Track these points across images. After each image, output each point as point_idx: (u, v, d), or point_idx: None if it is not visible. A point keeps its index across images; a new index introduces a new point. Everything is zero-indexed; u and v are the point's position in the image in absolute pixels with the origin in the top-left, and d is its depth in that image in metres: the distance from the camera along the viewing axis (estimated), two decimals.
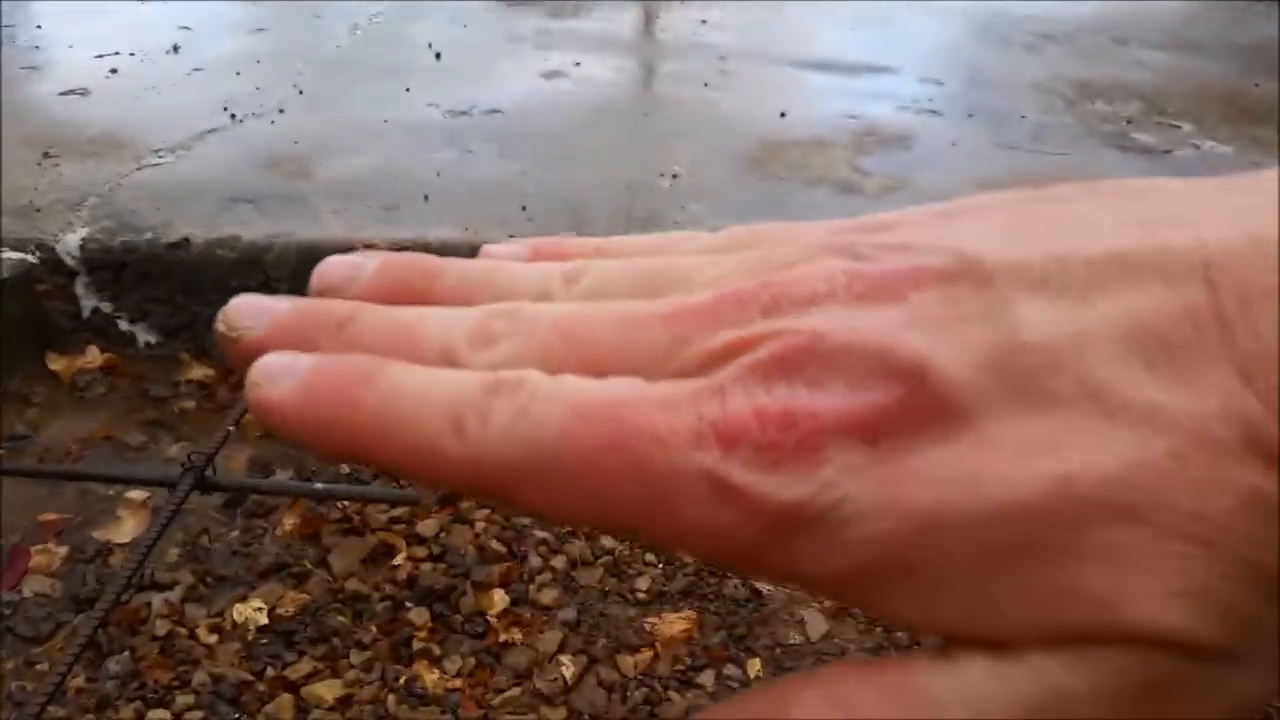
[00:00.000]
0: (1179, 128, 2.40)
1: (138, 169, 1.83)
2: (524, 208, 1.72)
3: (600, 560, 1.32)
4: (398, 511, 1.36)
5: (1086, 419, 0.15)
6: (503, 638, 1.21)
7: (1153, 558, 0.15)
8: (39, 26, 2.78)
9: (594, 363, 0.17)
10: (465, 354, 0.18)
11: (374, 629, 1.22)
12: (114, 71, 2.37)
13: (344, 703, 1.14)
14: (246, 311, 0.19)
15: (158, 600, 1.24)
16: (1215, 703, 0.15)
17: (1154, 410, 0.15)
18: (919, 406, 0.15)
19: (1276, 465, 0.14)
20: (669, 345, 0.17)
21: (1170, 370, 0.15)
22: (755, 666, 1.20)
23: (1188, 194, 0.17)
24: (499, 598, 1.26)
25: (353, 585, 1.27)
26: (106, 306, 1.61)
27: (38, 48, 2.59)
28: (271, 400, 0.17)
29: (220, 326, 0.19)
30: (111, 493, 1.41)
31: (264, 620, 1.22)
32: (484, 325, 0.18)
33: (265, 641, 1.20)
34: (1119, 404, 0.15)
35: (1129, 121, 2.41)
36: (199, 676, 1.15)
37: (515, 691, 1.16)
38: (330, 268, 0.21)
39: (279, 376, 0.18)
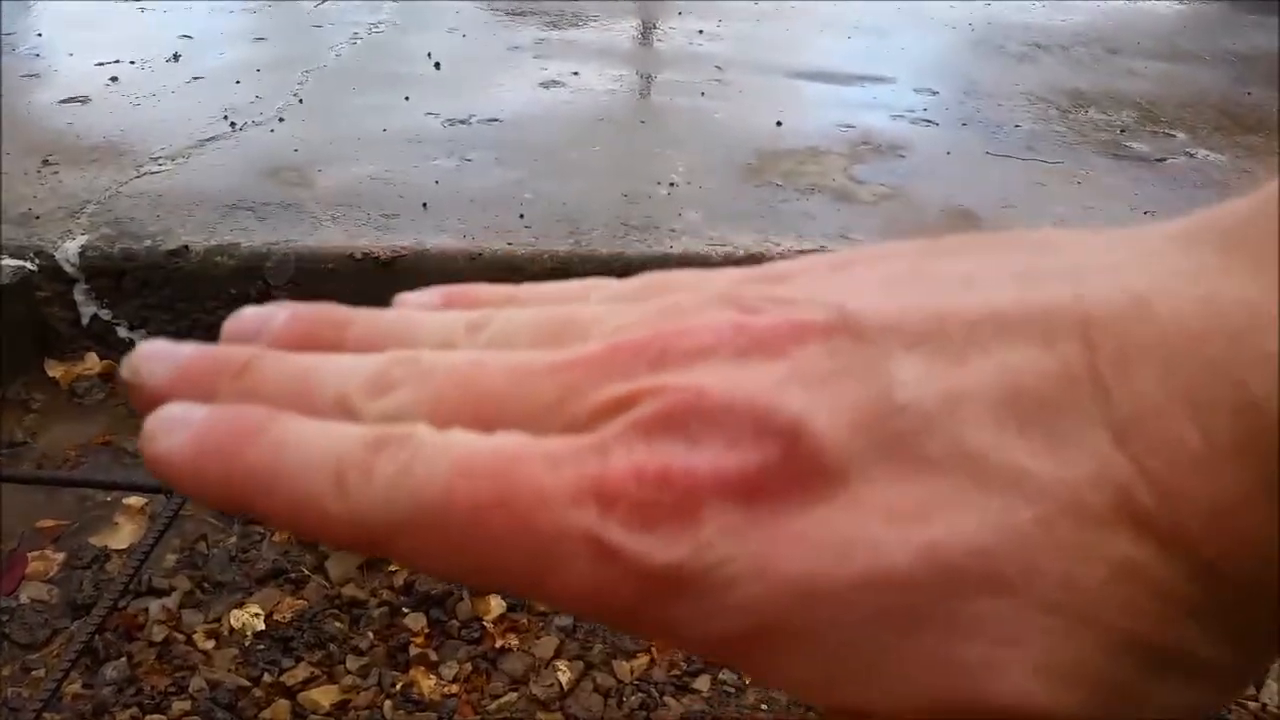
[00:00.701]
0: (1173, 136, 2.41)
1: (137, 176, 1.84)
2: (521, 215, 1.73)
3: None
4: None
5: (957, 484, 0.15)
6: (499, 643, 1.22)
7: (1021, 629, 0.14)
8: (39, 34, 2.79)
9: (487, 413, 0.17)
10: (359, 402, 0.18)
11: (371, 635, 1.22)
12: (114, 79, 2.38)
13: (340, 708, 1.14)
14: (151, 357, 0.19)
15: (155, 606, 1.25)
16: None
17: (1024, 476, 0.15)
18: (794, 466, 0.15)
19: (1149, 534, 0.14)
20: (560, 396, 0.17)
21: (1044, 433, 0.15)
22: None
23: (1073, 248, 0.17)
24: (495, 603, 1.26)
25: (350, 591, 1.27)
26: (106, 313, 1.62)
27: (38, 55, 2.60)
28: (164, 454, 0.17)
29: (125, 372, 0.19)
30: (109, 499, 1.41)
31: (261, 626, 1.23)
32: (380, 373, 0.18)
33: (262, 647, 1.21)
34: (990, 469, 0.15)
35: (1122, 130, 2.43)
36: (196, 682, 1.15)
37: (511, 697, 1.16)
38: (241, 318, 0.21)
39: (172, 429, 0.18)
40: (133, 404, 0.19)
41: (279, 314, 0.21)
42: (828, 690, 0.15)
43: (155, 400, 0.19)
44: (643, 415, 0.16)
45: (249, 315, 0.21)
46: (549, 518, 0.16)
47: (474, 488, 0.16)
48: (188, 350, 0.19)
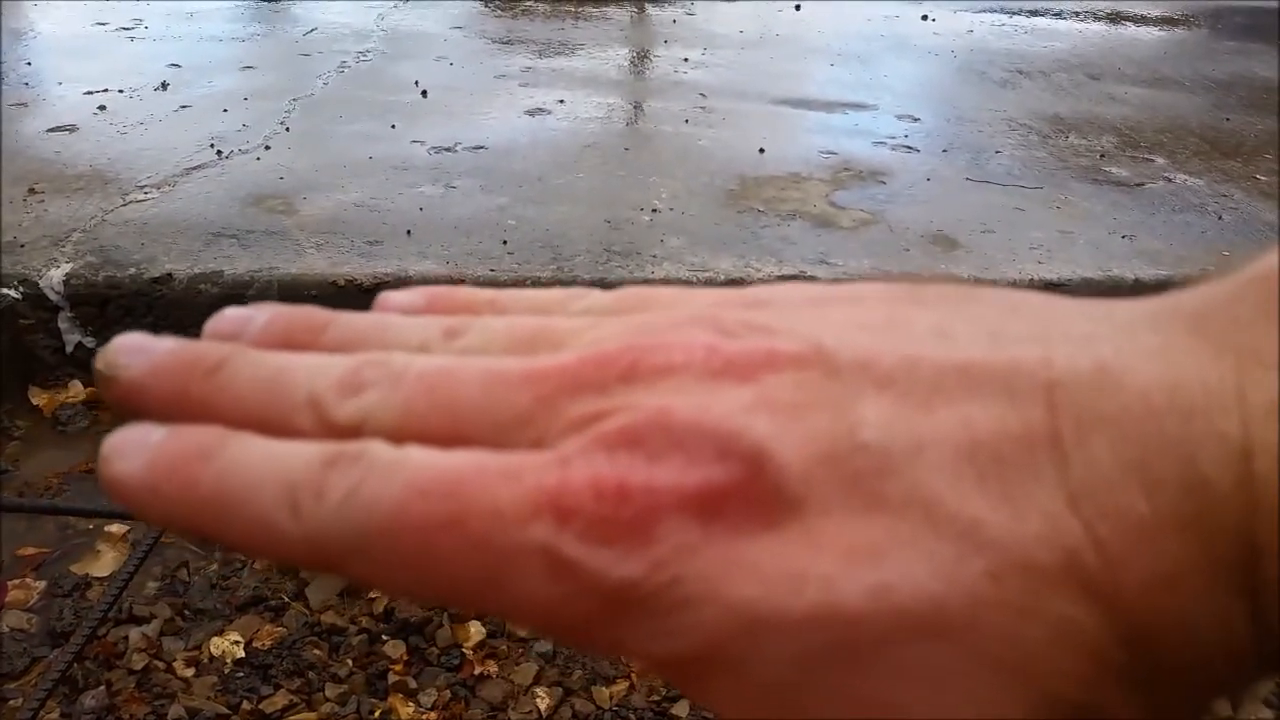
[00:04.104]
0: (1152, 161, 2.44)
1: (123, 205, 1.85)
2: (505, 242, 1.75)
3: None
4: None
5: (912, 528, 0.15)
6: (478, 670, 1.22)
7: (960, 681, 0.15)
8: (28, 64, 2.81)
9: (455, 420, 0.17)
10: (331, 402, 0.18)
11: (350, 662, 1.22)
12: (102, 108, 2.40)
13: None
14: (126, 350, 0.19)
15: (135, 634, 1.24)
16: None
17: (978, 526, 0.15)
18: (754, 491, 0.15)
19: (1091, 597, 0.15)
20: (529, 409, 0.17)
21: (1001, 488, 0.15)
22: None
23: (1048, 312, 0.18)
24: (475, 630, 1.26)
25: (329, 618, 1.27)
26: (90, 341, 1.63)
27: (27, 84, 2.62)
28: (119, 478, 0.17)
29: (99, 365, 0.19)
30: (91, 526, 1.41)
31: (241, 654, 1.23)
32: (352, 373, 0.18)
33: (242, 675, 1.20)
34: (945, 516, 0.15)
35: (1102, 155, 2.46)
36: (175, 710, 1.15)
37: None
38: (222, 318, 0.21)
39: (128, 453, 0.17)
40: (104, 397, 0.19)
41: (260, 314, 0.21)
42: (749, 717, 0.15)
43: (127, 395, 0.19)
44: (607, 430, 0.16)
45: (230, 315, 0.21)
46: (504, 534, 0.15)
47: (428, 508, 0.16)
48: (164, 345, 0.19)
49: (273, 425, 0.18)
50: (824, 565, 0.15)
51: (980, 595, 0.14)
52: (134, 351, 0.19)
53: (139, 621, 1.26)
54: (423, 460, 0.16)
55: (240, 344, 0.20)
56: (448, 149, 2.21)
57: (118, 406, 0.19)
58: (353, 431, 0.17)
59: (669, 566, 0.15)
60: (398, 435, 0.17)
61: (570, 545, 0.15)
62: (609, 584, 0.15)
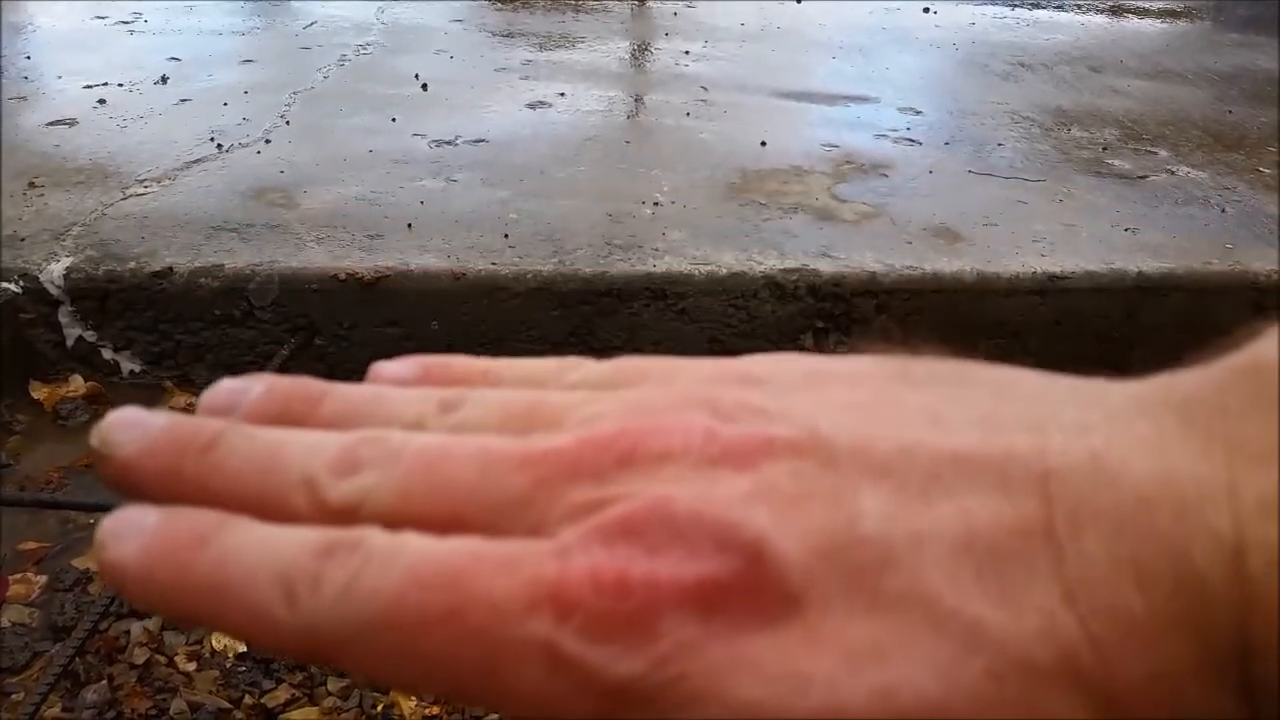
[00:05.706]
0: (1155, 153, 2.44)
1: (123, 198, 1.85)
2: (506, 235, 1.74)
3: None
4: None
5: (913, 626, 0.15)
6: None
7: None
8: (28, 57, 2.80)
9: (452, 502, 0.17)
10: (326, 483, 0.18)
11: None
12: (102, 102, 2.39)
13: None
14: (120, 427, 0.19)
15: (136, 628, 1.24)
16: None
17: (977, 625, 0.15)
18: (755, 585, 0.15)
19: (1087, 695, 0.14)
20: (527, 494, 0.17)
21: (998, 583, 0.15)
22: None
23: (1041, 396, 0.17)
24: None
25: None
26: (90, 335, 1.62)
27: (26, 78, 2.61)
28: (115, 565, 0.17)
29: (94, 441, 0.19)
30: (92, 521, 1.41)
31: (242, 648, 1.22)
32: (348, 453, 0.18)
33: (244, 669, 1.20)
34: (945, 614, 0.15)
35: (1105, 148, 2.45)
36: (177, 705, 1.15)
37: (494, 718, 1.16)
38: (218, 391, 0.21)
39: (123, 537, 0.17)
40: (99, 474, 0.19)
41: (254, 387, 0.21)
42: None
43: (121, 473, 0.19)
44: (605, 520, 0.16)
45: (226, 387, 0.21)
46: (503, 628, 0.15)
47: (427, 599, 0.16)
48: (159, 421, 0.19)
49: (268, 505, 0.18)
50: (827, 665, 0.15)
51: (981, 696, 0.14)
52: (128, 427, 0.19)
53: (140, 616, 1.26)
54: (420, 549, 0.16)
55: (235, 419, 0.20)
56: (448, 142, 2.20)
57: (113, 485, 0.19)
58: (349, 513, 0.17)
59: (672, 663, 0.15)
60: (394, 517, 0.17)
61: (570, 641, 0.15)
62: (610, 680, 0.15)
